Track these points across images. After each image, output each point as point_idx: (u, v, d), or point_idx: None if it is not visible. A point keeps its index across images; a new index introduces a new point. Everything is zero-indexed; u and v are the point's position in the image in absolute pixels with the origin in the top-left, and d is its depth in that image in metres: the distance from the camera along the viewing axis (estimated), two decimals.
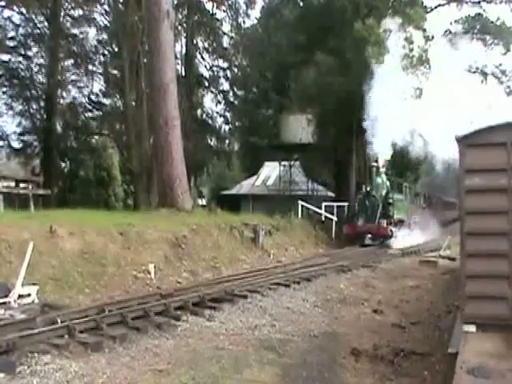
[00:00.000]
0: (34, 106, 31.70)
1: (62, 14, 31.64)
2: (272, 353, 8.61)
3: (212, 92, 40.96)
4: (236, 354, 8.38)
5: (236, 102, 41.00)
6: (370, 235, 26.67)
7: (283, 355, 8.56)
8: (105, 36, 34.09)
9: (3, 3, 28.93)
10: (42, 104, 31.48)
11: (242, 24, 39.09)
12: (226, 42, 39.93)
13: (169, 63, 25.07)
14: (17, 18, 29.98)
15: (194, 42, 38.86)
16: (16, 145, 31.91)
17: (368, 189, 27.37)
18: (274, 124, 36.10)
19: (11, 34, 30.03)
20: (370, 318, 11.67)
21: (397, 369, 8.40)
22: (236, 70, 40.59)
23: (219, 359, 8.07)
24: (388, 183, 28.91)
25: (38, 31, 31.01)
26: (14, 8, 29.47)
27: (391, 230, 26.53)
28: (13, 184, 21.45)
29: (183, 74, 37.12)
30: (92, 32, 33.31)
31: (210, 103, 41.59)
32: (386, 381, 8.01)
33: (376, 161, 27.74)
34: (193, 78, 38.27)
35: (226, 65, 40.40)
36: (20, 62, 30.79)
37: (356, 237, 26.70)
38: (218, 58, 40.07)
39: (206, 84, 40.71)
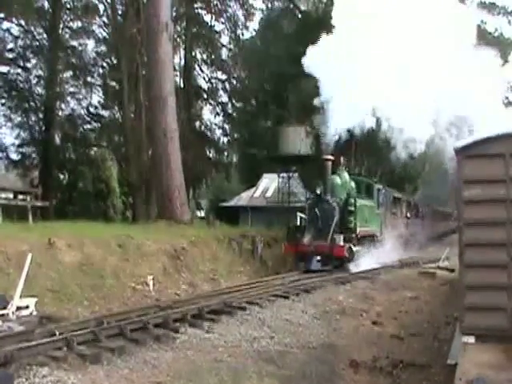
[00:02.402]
0: (33, 118, 31.75)
1: (61, 26, 31.76)
2: (271, 365, 8.59)
3: (211, 104, 41.05)
4: (235, 366, 8.36)
5: (235, 114, 41.07)
6: (318, 257, 19.28)
7: (282, 367, 8.54)
8: (104, 48, 34.21)
9: (2, 15, 29.00)
10: (41, 116, 31.53)
11: (241, 36, 39.25)
12: (224, 53, 40.10)
13: (167, 75, 25.14)
14: (16, 30, 30.12)
15: (193, 53, 38.99)
16: (14, 156, 31.96)
17: (318, 191, 20.72)
18: (273, 136, 36.12)
19: (10, 45, 30.15)
20: (369, 329, 11.65)
21: (396, 380, 8.39)
22: (235, 81, 40.68)
23: (218, 371, 8.05)
24: (352, 184, 22.64)
25: (37, 43, 31.11)
26: (13, 20, 29.56)
27: (350, 250, 19.65)
28: (11, 196, 21.40)
29: (182, 85, 37.20)
30: (91, 44, 33.35)
31: (209, 115, 41.53)
32: None
33: (332, 154, 20.96)
34: (191, 89, 38.35)
35: (224, 77, 40.50)
36: (19, 73, 30.88)
37: (301, 258, 19.90)
38: (216, 69, 40.18)
39: (205, 96, 40.79)
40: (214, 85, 40.62)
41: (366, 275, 18.71)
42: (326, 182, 20.91)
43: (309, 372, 8.46)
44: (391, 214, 28.19)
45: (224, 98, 41.07)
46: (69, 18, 32.54)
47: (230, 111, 41.12)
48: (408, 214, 32.94)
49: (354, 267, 19.86)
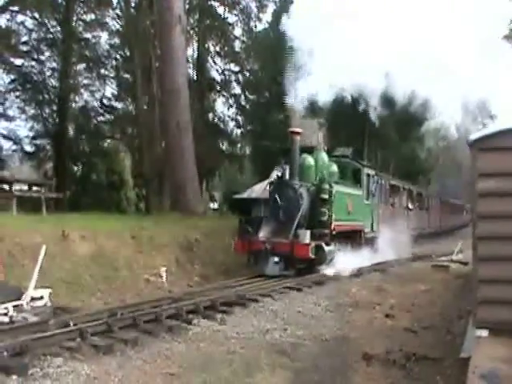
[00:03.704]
0: (47, 110, 31.85)
1: (75, 18, 31.80)
2: (283, 357, 8.60)
3: (224, 96, 40.95)
4: (247, 357, 8.38)
5: (248, 106, 40.99)
6: (276, 258, 15.47)
7: (295, 359, 8.55)
8: (117, 40, 34.23)
9: (17, 8, 29.09)
10: (55, 108, 31.63)
11: (254, 28, 39.12)
12: (237, 45, 39.97)
13: (180, 67, 25.17)
14: (30, 23, 30.19)
15: (206, 46, 38.91)
16: (29, 148, 32.09)
17: (279, 174, 17.38)
18: (286, 128, 36.07)
19: (24, 38, 30.23)
20: (382, 322, 11.62)
21: (409, 373, 8.36)
22: (248, 73, 40.59)
23: (231, 363, 8.07)
24: (334, 168, 18.86)
25: (51, 36, 31.16)
26: (28, 13, 29.65)
27: (319, 250, 15.64)
28: (25, 187, 21.53)
29: (195, 77, 37.19)
30: (104, 36, 33.37)
31: (222, 107, 41.41)
32: None
33: (299, 126, 17.63)
34: (204, 81, 38.30)
35: (237, 69, 40.39)
36: (33, 66, 30.96)
37: (255, 259, 16.15)
38: (229, 61, 40.08)
39: (218, 88, 40.71)
40: (227, 77, 40.52)
41: (379, 267, 18.67)
42: (292, 161, 16.91)
43: (321, 364, 8.46)
44: (387, 204, 24.77)
45: (237, 90, 40.97)
46: (82, 11, 32.55)
47: (243, 103, 41.03)
48: (410, 205, 29.60)
49: (329, 270, 16.31)
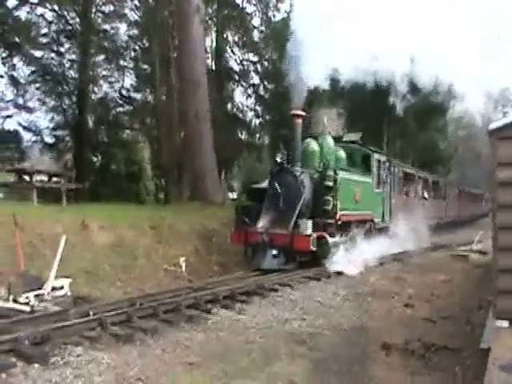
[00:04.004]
0: (66, 102, 31.93)
1: (94, 10, 31.83)
2: (302, 346, 8.62)
3: (242, 86, 40.87)
4: (266, 347, 8.41)
5: (266, 96, 40.89)
6: (274, 251, 14.49)
7: (313, 349, 8.57)
8: (136, 31, 34.24)
9: (36, 0, 29.21)
10: (74, 99, 31.69)
11: (272, 17, 38.95)
12: (256, 35, 39.84)
13: (199, 58, 25.16)
14: (49, 15, 30.27)
15: (224, 36, 38.84)
16: (49, 140, 32.23)
17: (279, 159, 15.94)
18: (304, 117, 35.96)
19: (44, 30, 30.34)
20: (401, 312, 11.60)
21: (428, 363, 8.35)
22: (266, 63, 40.47)
23: (250, 352, 8.11)
24: (341, 153, 17.86)
25: (70, 27, 31.23)
26: (47, 5, 29.76)
27: (322, 242, 14.53)
28: (46, 178, 21.68)
29: (213, 68, 37.16)
30: (123, 27, 33.40)
31: (241, 97, 41.33)
32: (416, 375, 7.96)
33: (303, 108, 16.35)
34: (223, 72, 38.28)
35: (256, 58, 40.29)
36: (52, 58, 31.01)
37: (252, 250, 15.22)
38: (248, 51, 39.99)
39: (237, 78, 40.65)
40: (246, 67, 40.44)
41: (397, 257, 18.61)
42: (294, 147, 16.10)
43: (340, 354, 8.47)
44: (401, 193, 23.55)
45: (256, 80, 40.91)
46: (101, 2, 32.59)
47: (261, 93, 40.94)
48: (426, 194, 28.53)
49: (333, 265, 15.06)
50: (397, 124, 34.84)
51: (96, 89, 33.35)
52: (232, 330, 9.25)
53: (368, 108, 31.34)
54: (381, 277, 15.07)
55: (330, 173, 15.42)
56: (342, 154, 17.97)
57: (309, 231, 14.19)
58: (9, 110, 29.87)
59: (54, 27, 30.57)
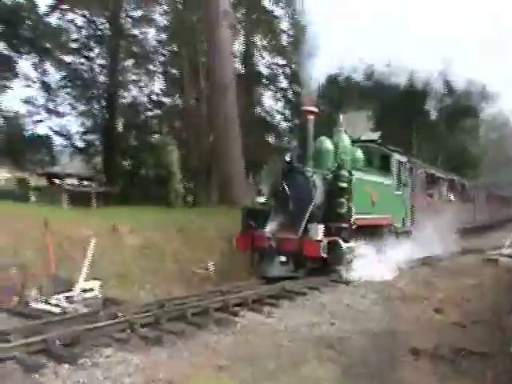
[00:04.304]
0: (96, 106, 32.31)
1: (123, 15, 32.16)
2: (331, 350, 8.55)
3: (271, 90, 40.96)
4: (295, 351, 8.36)
5: (295, 99, 40.88)
6: (282, 257, 13.45)
7: (342, 353, 8.50)
8: (164, 36, 34.52)
9: (67, 7, 29.59)
10: (104, 104, 32.08)
11: (300, 21, 38.91)
12: (284, 39, 39.85)
13: (228, 62, 25.24)
14: (79, 21, 30.68)
15: (253, 40, 38.93)
16: (79, 144, 32.62)
17: (288, 159, 14.88)
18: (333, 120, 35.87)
19: (74, 36, 30.73)
20: (431, 316, 11.47)
21: (457, 368, 8.24)
22: (295, 67, 40.45)
23: (278, 356, 8.07)
24: (358, 153, 16.80)
25: (100, 33, 31.62)
26: (77, 11, 30.14)
27: (335, 248, 13.21)
28: (76, 182, 21.97)
29: (242, 72, 37.25)
30: (152, 32, 33.67)
31: (269, 101, 41.40)
32: (446, 380, 7.86)
33: (315, 104, 15.84)
34: (251, 75, 38.35)
35: (284, 62, 40.30)
36: (82, 63, 31.44)
37: (260, 256, 14.15)
38: (276, 55, 40.02)
39: (265, 82, 40.72)
40: (274, 70, 40.51)
41: (427, 261, 18.41)
42: (306, 145, 14.94)
43: (369, 358, 8.39)
44: (424, 196, 22.15)
45: (284, 84, 40.93)
46: (130, 7, 32.92)
47: (290, 96, 40.93)
48: (451, 197, 27.00)
49: (348, 271, 14.10)
50: (427, 126, 34.58)
51: (125, 93, 33.70)
52: (260, 333, 9.21)
53: (398, 110, 31.17)
54: (410, 281, 14.92)
55: (345, 173, 14.26)
56: (360, 154, 16.90)
57: (319, 236, 13.05)
58: (40, 114, 30.29)
59: (84, 32, 31.02)
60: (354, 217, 14.05)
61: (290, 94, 40.80)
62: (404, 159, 18.97)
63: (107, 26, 31.55)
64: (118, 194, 26.47)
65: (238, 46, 37.32)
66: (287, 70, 40.38)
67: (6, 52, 27.24)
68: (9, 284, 10.75)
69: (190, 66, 30.29)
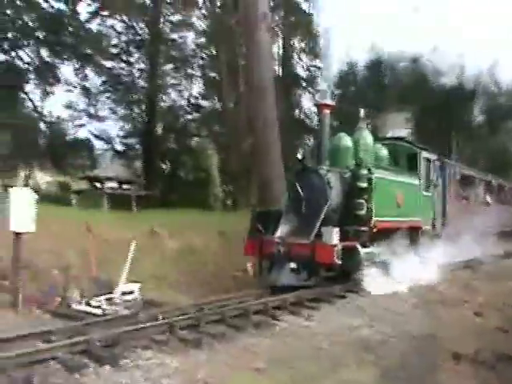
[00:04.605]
0: (136, 110, 32.70)
1: (162, 20, 32.47)
2: (370, 354, 8.48)
3: (309, 92, 40.88)
4: (334, 354, 8.31)
5: (333, 102, 40.74)
6: (293, 264, 12.00)
7: (382, 356, 8.42)
8: (203, 40, 34.72)
9: (107, 13, 30.00)
10: (144, 108, 32.44)
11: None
12: (322, 41, 39.78)
13: (266, 65, 25.20)
14: (119, 26, 31.09)
15: (291, 42, 38.91)
16: (119, 147, 33.05)
17: (300, 156, 13.39)
18: (371, 122, 35.64)
19: (114, 41, 31.14)
20: (471, 320, 11.31)
21: (499, 374, 8.09)
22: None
23: (317, 359, 8.03)
24: (383, 151, 15.71)
25: (139, 38, 31.98)
26: (117, 17, 30.54)
27: (353, 253, 12.11)
28: (116, 185, 22.22)
29: (281, 74, 37.25)
30: (191, 36, 33.92)
31: (308, 103, 41.28)
32: None
33: (333, 94, 14.23)
34: (290, 78, 38.33)
35: (322, 64, 40.22)
36: (122, 68, 31.84)
37: (270, 263, 12.75)
38: (314, 57, 39.95)
39: (304, 84, 40.66)
40: (313, 73, 40.42)
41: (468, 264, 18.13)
42: (321, 142, 13.53)
43: (409, 362, 8.30)
44: (458, 197, 20.81)
45: (323, 86, 40.79)
46: (169, 12, 33.20)
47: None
48: (489, 199, 25.43)
49: (368, 281, 12.74)
50: (468, 127, 34.03)
51: (165, 97, 34.01)
52: (299, 336, 9.18)
53: (435, 112, 30.75)
54: (450, 284, 14.71)
55: (364, 171, 12.96)
56: (384, 152, 15.65)
57: (334, 241, 11.51)
58: (81, 119, 30.78)
59: (123, 38, 31.38)
60: (375, 219, 12.85)
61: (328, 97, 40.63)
62: (433, 157, 17.61)
63: (146, 30, 31.90)
64: (158, 197, 26.71)
65: (277, 49, 37.36)
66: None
67: (48, 59, 27.75)
68: (51, 286, 10.93)
69: (229, 69, 30.40)
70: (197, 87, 35.67)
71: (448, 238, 17.51)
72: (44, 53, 27.57)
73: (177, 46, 33.30)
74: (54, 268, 11.50)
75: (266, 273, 12.74)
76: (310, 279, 11.96)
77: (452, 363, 8.45)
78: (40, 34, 27.01)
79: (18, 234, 10.03)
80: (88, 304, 10.58)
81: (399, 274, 13.35)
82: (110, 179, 21.71)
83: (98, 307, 10.33)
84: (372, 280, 12.66)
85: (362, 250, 12.29)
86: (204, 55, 35.07)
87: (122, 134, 32.98)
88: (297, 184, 12.99)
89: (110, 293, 11.13)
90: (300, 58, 39.77)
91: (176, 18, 33.35)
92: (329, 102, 13.79)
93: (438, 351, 8.92)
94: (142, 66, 32.55)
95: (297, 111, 40.71)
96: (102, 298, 10.86)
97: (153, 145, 31.34)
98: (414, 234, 15.37)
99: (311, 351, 8.39)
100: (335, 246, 11.41)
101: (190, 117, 35.79)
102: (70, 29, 27.32)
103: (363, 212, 12.55)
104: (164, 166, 33.48)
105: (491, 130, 35.41)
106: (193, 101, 35.29)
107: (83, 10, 29.26)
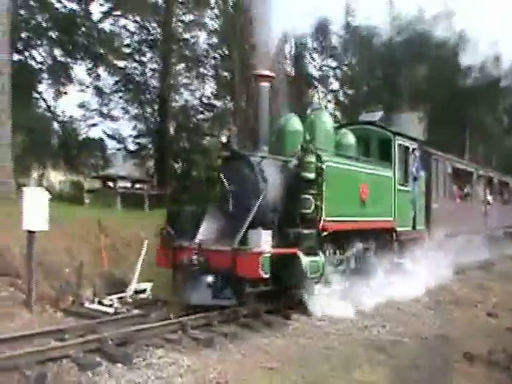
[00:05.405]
0: (148, 110, 32.68)
1: (174, 19, 32.46)
2: (382, 354, 8.47)
3: (322, 91, 40.80)
4: (346, 353, 8.31)
5: (346, 101, 40.62)
6: (210, 277, 9.48)
7: (394, 357, 8.40)
8: (215, 39, 34.70)
9: (119, 13, 30.05)
10: (156, 107, 32.43)
11: (351, 22, 38.75)
12: (334, 40, 39.68)
13: (278, 64, 25.21)
14: (132, 26, 31.12)
15: (303, 41, 38.85)
16: (131, 147, 33.08)
17: (225, 139, 10.71)
18: (385, 122, 35.49)
19: (126, 41, 31.18)
20: (484, 321, 11.27)
21: None
22: (345, 68, 40.24)
23: (329, 359, 8.03)
24: (350, 138, 13.11)
25: (152, 37, 31.99)
26: (130, 17, 30.59)
27: (292, 263, 9.71)
28: (129, 184, 22.25)
29: (293, 74, 37.21)
30: (203, 36, 33.87)
31: (320, 102, 41.20)
32: None
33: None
34: (302, 77, 38.27)
35: (335, 64, 40.14)
36: (135, 67, 31.86)
37: (183, 275, 10.09)
38: (327, 57, 39.88)
39: (316, 84, 40.59)
40: (325, 72, 40.34)
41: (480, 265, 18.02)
42: (259, 122, 11.17)
43: (421, 363, 8.27)
44: (449, 195, 18.47)
45: (335, 86, 40.76)
46: (181, 12, 33.20)
47: (341, 98, 40.71)
48: (490, 198, 22.66)
49: (315, 301, 10.49)
50: (483, 126, 33.78)
51: (177, 96, 34.00)
52: (312, 336, 9.19)
53: (449, 112, 30.60)
54: (463, 284, 14.65)
55: (311, 159, 10.39)
56: (351, 138, 13.07)
57: (262, 247, 9.02)
58: (94, 118, 30.87)
59: (136, 37, 31.43)
60: (326, 219, 10.55)
61: (340, 96, 40.56)
62: (413, 145, 15.00)
63: (159, 30, 31.93)
64: (170, 196, 26.73)
65: (289, 48, 37.31)
66: (338, 72, 40.17)
67: (61, 58, 27.86)
68: (64, 284, 10.97)
69: (241, 68, 30.38)
70: (209, 87, 35.64)
71: (435, 242, 15.35)
72: (57, 52, 27.67)
73: (189, 46, 33.32)
74: (67, 266, 11.55)
75: (182, 288, 10.12)
76: (234, 297, 9.52)
77: (465, 364, 8.40)
78: (53, 34, 27.11)
79: (31, 233, 10.08)
80: (100, 303, 10.62)
81: (354, 290, 11.27)
82: (122, 178, 21.73)
83: (111, 306, 10.36)
84: (318, 298, 10.56)
85: (305, 259, 9.80)
86: (216, 55, 35.07)
87: (134, 133, 33.02)
88: (221, 175, 10.62)
89: (123, 291, 11.17)
90: (312, 57, 39.72)
91: (188, 17, 33.37)
92: (267, 72, 11.22)
93: (450, 352, 8.95)
94: (155, 65, 32.58)
95: (309, 111, 40.60)
96: (114, 296, 10.90)
97: (165, 144, 31.35)
98: (384, 237, 13.29)
99: (323, 351, 8.51)
100: (260, 253, 8.91)
101: (202, 116, 35.79)
102: (83, 29, 27.40)
103: (309, 210, 10.27)
104: (176, 166, 33.48)
105: (508, 128, 35.11)
106: (205, 100, 35.29)
107: (96, 9, 29.33)
